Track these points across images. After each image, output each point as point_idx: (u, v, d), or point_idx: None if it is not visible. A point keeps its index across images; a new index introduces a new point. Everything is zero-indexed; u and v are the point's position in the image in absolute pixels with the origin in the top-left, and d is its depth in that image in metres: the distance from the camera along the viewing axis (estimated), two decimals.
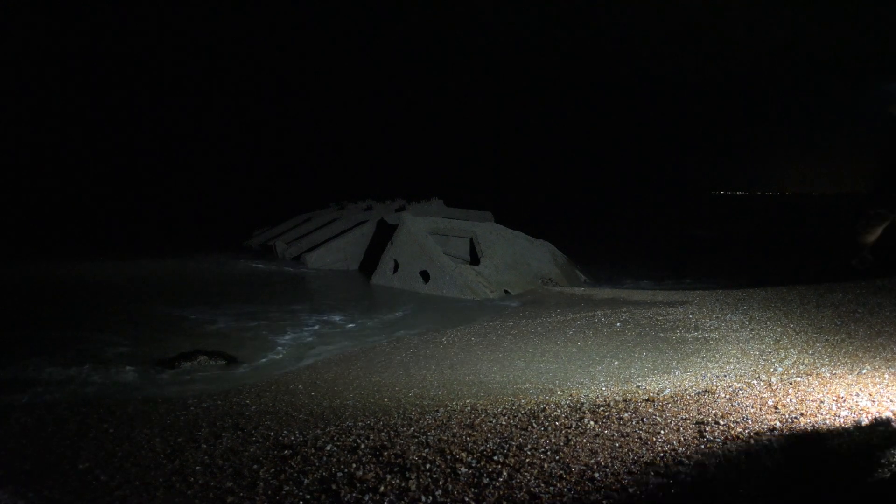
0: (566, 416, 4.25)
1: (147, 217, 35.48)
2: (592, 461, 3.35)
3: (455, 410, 4.67)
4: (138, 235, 24.46)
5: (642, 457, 3.38)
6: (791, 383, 4.94)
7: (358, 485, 3.20)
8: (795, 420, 3.84)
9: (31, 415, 4.84)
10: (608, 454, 3.45)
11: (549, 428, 3.99)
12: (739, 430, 3.72)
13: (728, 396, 4.60)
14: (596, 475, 3.16)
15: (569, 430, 3.91)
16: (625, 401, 4.62)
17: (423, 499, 3.01)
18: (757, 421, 3.88)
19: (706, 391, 4.83)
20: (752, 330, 7.36)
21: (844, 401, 4.19)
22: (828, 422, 3.78)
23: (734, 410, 4.17)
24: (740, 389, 4.82)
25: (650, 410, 4.27)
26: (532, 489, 3.04)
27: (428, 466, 3.37)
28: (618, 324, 8.26)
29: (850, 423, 3.75)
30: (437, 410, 4.70)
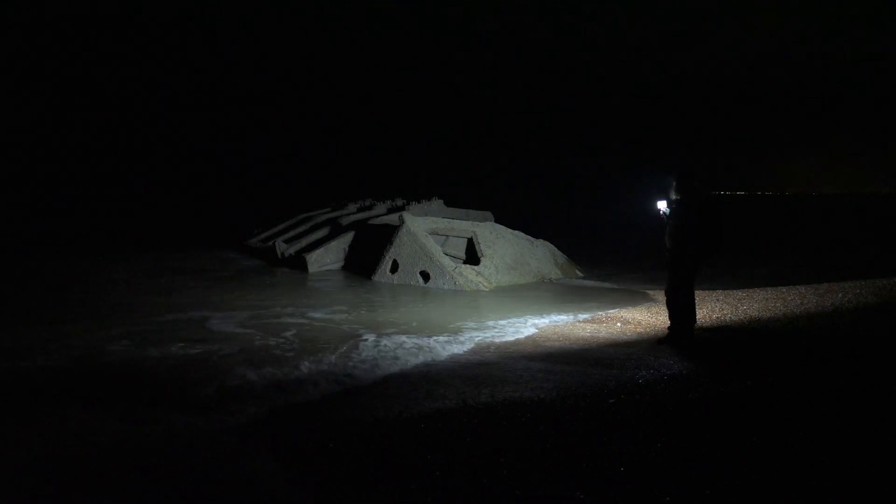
0: None
1: (147, 217, 35.48)
2: None
3: None
4: (139, 235, 24.43)
5: None
6: None
7: None
8: None
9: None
10: None
11: None
12: None
13: None
14: None
15: None
16: None
17: None
18: None
19: None
20: (752, 331, 7.36)
21: None
22: None
23: None
24: None
25: None
26: None
27: None
28: (618, 324, 8.26)
29: None
30: None
